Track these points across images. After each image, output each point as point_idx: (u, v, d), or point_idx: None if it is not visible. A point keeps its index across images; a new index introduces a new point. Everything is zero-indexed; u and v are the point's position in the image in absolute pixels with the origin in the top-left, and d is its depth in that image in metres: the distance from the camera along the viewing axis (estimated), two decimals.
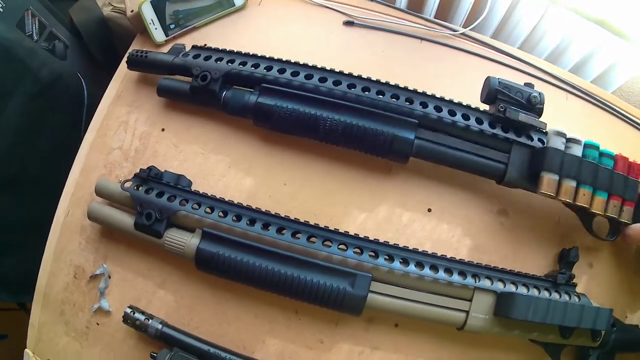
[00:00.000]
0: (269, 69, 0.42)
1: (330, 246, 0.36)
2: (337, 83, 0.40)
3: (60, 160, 0.47)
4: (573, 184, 0.39)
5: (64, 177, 0.45)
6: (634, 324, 0.48)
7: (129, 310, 0.41)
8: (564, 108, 0.48)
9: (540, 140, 0.40)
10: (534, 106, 0.40)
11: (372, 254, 0.37)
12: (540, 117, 0.40)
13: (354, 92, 0.40)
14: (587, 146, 0.41)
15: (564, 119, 0.48)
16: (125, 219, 0.41)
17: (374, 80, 0.40)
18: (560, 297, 0.42)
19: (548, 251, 0.44)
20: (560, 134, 0.40)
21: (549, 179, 0.39)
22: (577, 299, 0.43)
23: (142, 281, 0.42)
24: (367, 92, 0.39)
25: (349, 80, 0.40)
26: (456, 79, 0.45)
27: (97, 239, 0.44)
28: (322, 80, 0.40)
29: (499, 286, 0.38)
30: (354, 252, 0.36)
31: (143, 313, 0.40)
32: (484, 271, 0.38)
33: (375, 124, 0.38)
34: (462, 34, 0.46)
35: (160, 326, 0.40)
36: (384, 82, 0.40)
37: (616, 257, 0.47)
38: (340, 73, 0.41)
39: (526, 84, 0.41)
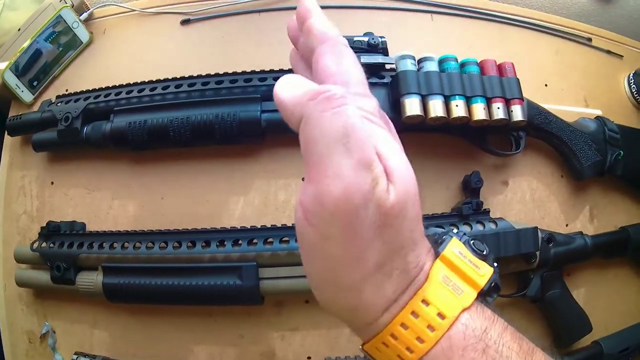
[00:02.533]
0: (118, 94, 0.42)
1: (210, 246, 0.37)
2: (178, 86, 0.40)
3: None
4: (439, 99, 0.37)
5: None
6: (577, 231, 0.45)
7: (75, 357, 0.43)
8: (431, 30, 0.45)
9: (392, 76, 0.39)
10: (377, 48, 0.38)
11: (254, 242, 0.37)
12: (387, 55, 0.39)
13: (196, 89, 0.39)
14: (443, 60, 0.39)
15: (435, 41, 0.45)
16: (44, 277, 0.43)
17: (211, 75, 0.40)
18: (472, 229, 0.40)
19: (450, 184, 0.43)
20: (406, 57, 0.38)
21: (410, 102, 0.37)
22: (493, 226, 0.41)
23: (78, 327, 0.45)
24: (207, 86, 0.39)
25: (189, 81, 0.40)
26: None
27: (34, 301, 0.47)
28: (165, 88, 0.40)
29: None
30: (233, 245, 0.37)
31: (86, 356, 0.43)
32: None
33: (219, 111, 0.38)
34: None
35: None
36: (222, 72, 0.39)
37: (533, 167, 0.45)
38: (181, 78, 0.41)
39: (365, 34, 0.39)
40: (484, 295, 0.17)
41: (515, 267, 0.42)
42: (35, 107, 0.49)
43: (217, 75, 0.40)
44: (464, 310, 0.16)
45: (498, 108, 0.39)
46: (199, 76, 0.40)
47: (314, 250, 0.17)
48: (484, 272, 0.18)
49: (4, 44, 0.50)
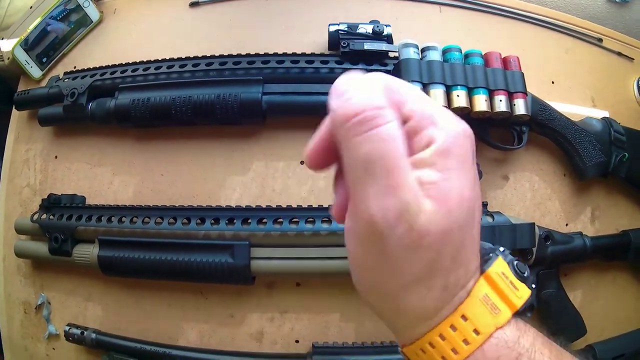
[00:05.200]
0: (124, 72, 0.43)
1: (204, 224, 0.37)
2: (182, 66, 0.40)
3: None
4: (441, 88, 0.37)
5: None
6: (576, 231, 0.45)
7: (67, 328, 0.44)
8: (439, 22, 0.45)
9: (394, 64, 0.38)
10: (381, 36, 0.38)
11: (246, 221, 0.37)
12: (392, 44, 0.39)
13: (200, 69, 0.40)
14: (447, 50, 0.38)
15: (442, 33, 0.45)
16: (43, 248, 0.44)
17: (216, 56, 0.40)
18: None
19: None
20: (409, 45, 0.38)
21: None
22: (490, 219, 0.40)
23: (73, 299, 0.45)
24: (211, 67, 0.39)
25: (193, 61, 0.40)
26: (309, 25, 0.43)
27: (31, 273, 0.47)
28: (170, 67, 0.41)
29: None
30: (226, 224, 0.37)
31: (78, 327, 0.44)
32: None
33: (221, 92, 0.38)
34: None
35: (94, 335, 0.43)
36: (226, 54, 0.40)
37: (535, 164, 0.44)
38: (186, 58, 0.41)
39: (371, 22, 0.40)
40: (519, 315, 0.18)
41: None
42: (44, 83, 0.49)
43: (221, 56, 0.40)
44: (497, 328, 0.17)
45: (500, 101, 0.39)
46: (203, 57, 0.40)
47: (356, 258, 0.18)
48: (521, 295, 0.18)
49: (16, 22, 0.51)
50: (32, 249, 0.45)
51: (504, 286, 0.18)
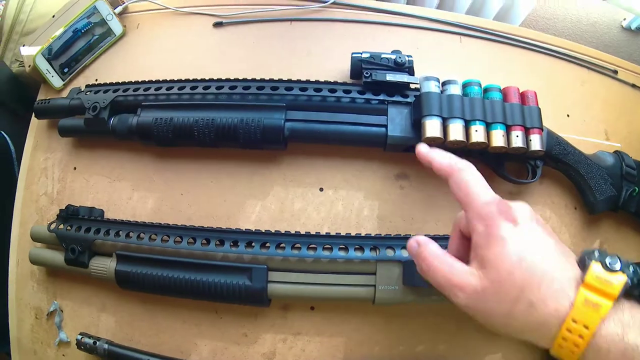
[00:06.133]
0: (147, 89, 0.43)
1: (224, 245, 0.38)
2: (206, 88, 0.41)
3: (2, 215, 0.51)
4: (460, 123, 0.38)
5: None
6: None
7: (79, 337, 0.45)
8: (459, 52, 0.46)
9: (415, 96, 0.39)
10: (403, 67, 0.39)
11: (266, 245, 0.38)
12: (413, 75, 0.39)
13: (223, 92, 0.40)
14: (467, 84, 0.39)
15: (462, 63, 0.46)
16: (58, 257, 0.45)
17: (239, 79, 0.40)
18: None
19: (458, 207, 0.43)
20: (430, 78, 0.38)
21: (430, 123, 0.37)
22: None
23: (86, 309, 0.46)
24: (234, 90, 0.40)
25: (217, 83, 0.41)
26: (331, 52, 0.44)
27: (45, 280, 0.48)
28: (194, 88, 0.41)
29: (402, 254, 0.37)
30: (246, 247, 0.37)
31: (91, 337, 0.44)
32: (385, 241, 0.38)
33: (244, 116, 0.38)
34: (334, 2, 0.44)
35: (106, 346, 0.43)
36: (250, 78, 0.40)
37: (547, 197, 0.45)
38: (210, 80, 0.41)
39: (393, 52, 0.40)
40: (628, 296, 0.24)
41: None
42: (64, 93, 0.50)
43: (244, 80, 0.40)
44: (602, 320, 0.23)
45: (517, 136, 0.39)
46: (227, 80, 0.41)
47: (493, 312, 0.27)
48: (616, 285, 0.24)
49: (38, 28, 0.52)
50: (47, 257, 0.46)
51: (599, 285, 0.24)
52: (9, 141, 0.53)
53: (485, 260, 0.26)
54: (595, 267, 0.25)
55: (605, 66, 0.50)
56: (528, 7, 0.51)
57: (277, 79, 0.40)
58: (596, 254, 0.26)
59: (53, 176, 0.48)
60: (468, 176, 0.29)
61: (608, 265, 0.25)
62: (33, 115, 0.50)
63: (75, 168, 0.48)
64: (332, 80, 0.40)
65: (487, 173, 0.42)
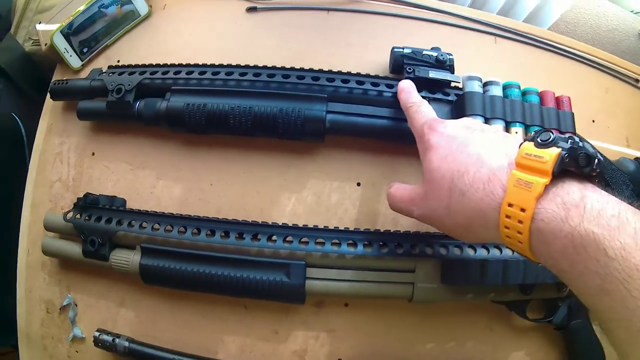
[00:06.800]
0: (177, 73, 0.41)
1: (260, 240, 0.36)
2: (243, 74, 0.39)
3: (11, 200, 0.48)
4: (501, 124, 0.38)
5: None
6: None
7: (97, 334, 0.42)
8: (493, 53, 0.46)
9: (457, 95, 0.39)
10: (444, 64, 0.38)
11: (304, 240, 0.37)
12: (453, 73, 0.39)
13: (260, 80, 0.39)
14: (507, 86, 0.39)
15: (496, 63, 0.46)
16: (75, 249, 0.42)
17: (278, 67, 0.39)
18: (514, 252, 0.40)
19: None
20: (474, 78, 0.38)
21: None
22: None
23: (104, 303, 0.44)
24: (273, 78, 0.39)
25: (254, 70, 0.39)
26: (369, 44, 0.43)
27: (58, 272, 0.45)
28: (229, 74, 0.40)
29: (441, 252, 0.37)
30: (284, 242, 0.36)
31: (110, 334, 0.42)
32: (424, 239, 0.37)
33: (284, 106, 0.37)
34: None
35: (127, 343, 0.41)
36: (288, 67, 0.39)
37: None
38: (246, 66, 0.40)
39: (433, 49, 0.40)
40: (572, 173, 0.21)
41: (548, 294, 0.43)
42: (82, 75, 0.47)
43: (283, 68, 0.39)
44: (537, 199, 0.21)
45: None
46: (265, 67, 0.39)
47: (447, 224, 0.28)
48: (546, 159, 0.21)
49: (55, 5, 0.49)
50: (62, 248, 0.43)
51: (529, 163, 0.22)
52: (21, 124, 0.50)
53: (423, 170, 0.28)
54: (525, 145, 0.23)
55: (627, 74, 0.51)
56: (559, 10, 0.52)
57: (317, 69, 0.39)
58: (532, 133, 0.24)
59: (68, 161, 0.46)
60: (412, 110, 0.33)
61: (539, 141, 0.22)
62: (48, 96, 0.47)
63: (93, 153, 0.45)
64: (372, 74, 0.39)
65: None
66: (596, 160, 0.22)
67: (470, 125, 0.28)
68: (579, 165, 0.21)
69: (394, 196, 0.32)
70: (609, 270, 0.18)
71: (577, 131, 0.44)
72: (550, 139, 0.22)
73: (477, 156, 0.25)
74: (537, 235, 0.21)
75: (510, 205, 0.22)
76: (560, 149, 0.21)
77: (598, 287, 0.19)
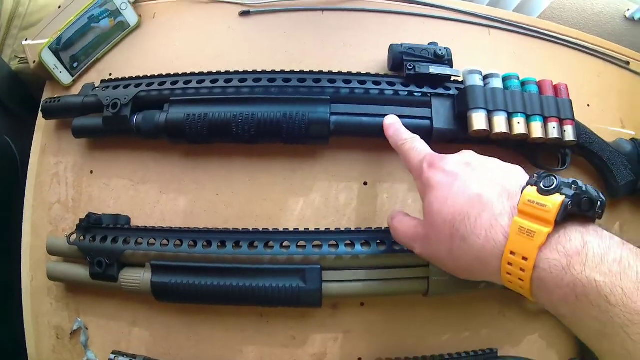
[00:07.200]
0: (174, 83, 0.40)
1: (273, 248, 0.36)
2: (243, 80, 0.39)
3: (8, 225, 0.47)
4: (504, 115, 0.38)
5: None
6: None
7: (112, 357, 0.41)
8: (488, 44, 0.46)
9: (457, 89, 0.39)
10: (442, 59, 0.38)
11: (317, 244, 0.37)
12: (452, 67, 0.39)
13: (261, 85, 0.38)
14: (506, 78, 0.40)
15: (491, 55, 0.46)
16: (81, 272, 0.41)
17: (279, 71, 0.39)
18: None
19: None
20: (475, 72, 0.39)
21: (477, 116, 0.38)
22: None
23: (115, 324, 0.43)
24: (273, 83, 0.38)
25: (254, 76, 0.39)
26: (366, 42, 0.43)
27: (65, 296, 0.44)
28: (228, 81, 0.39)
29: None
30: (297, 247, 0.36)
31: (125, 355, 0.41)
32: None
33: (287, 110, 0.37)
34: None
35: None
36: (288, 70, 0.39)
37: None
38: (246, 72, 0.39)
39: (430, 44, 0.40)
40: (576, 220, 0.21)
41: None
42: (73, 90, 0.46)
43: (283, 72, 0.39)
44: (539, 249, 0.21)
45: (553, 127, 0.40)
46: (265, 72, 0.39)
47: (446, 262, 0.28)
48: (549, 208, 0.21)
49: (41, 20, 0.47)
50: (68, 272, 0.42)
51: (532, 210, 0.22)
52: (13, 146, 0.48)
53: (424, 210, 0.28)
54: (528, 191, 0.22)
55: (618, 57, 0.52)
56: None
57: (316, 70, 0.38)
58: (535, 177, 0.24)
59: (66, 181, 0.45)
60: (406, 147, 0.32)
61: (542, 187, 0.22)
62: (39, 115, 0.46)
63: (91, 172, 0.44)
64: (372, 73, 0.39)
65: (524, 162, 0.43)
66: (599, 203, 0.22)
67: (470, 162, 0.28)
68: (582, 209, 0.21)
69: (396, 229, 0.32)
70: (609, 317, 0.19)
71: (575, 116, 0.45)
72: (554, 186, 0.22)
73: (478, 198, 0.24)
74: (539, 283, 0.21)
75: (512, 253, 0.22)
76: (563, 197, 0.21)
77: (598, 331, 0.19)
